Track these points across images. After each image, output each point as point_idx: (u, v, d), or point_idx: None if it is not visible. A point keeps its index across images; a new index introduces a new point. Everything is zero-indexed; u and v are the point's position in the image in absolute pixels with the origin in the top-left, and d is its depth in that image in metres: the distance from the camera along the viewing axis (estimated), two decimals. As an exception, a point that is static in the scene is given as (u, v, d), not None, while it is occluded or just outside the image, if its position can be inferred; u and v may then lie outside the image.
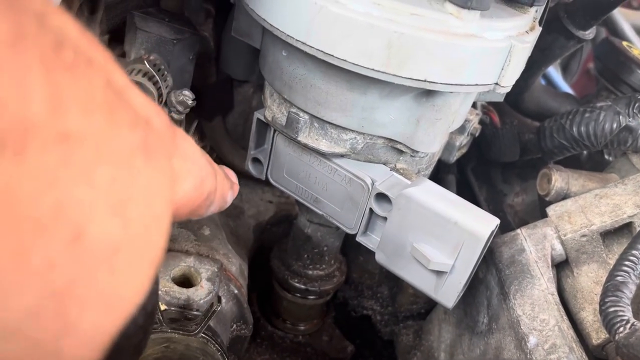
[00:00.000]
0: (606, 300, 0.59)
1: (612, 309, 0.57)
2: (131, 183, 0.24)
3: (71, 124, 0.20)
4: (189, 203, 0.37)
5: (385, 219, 0.64)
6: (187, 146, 0.36)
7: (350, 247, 1.01)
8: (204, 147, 0.42)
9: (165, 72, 0.65)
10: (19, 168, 0.18)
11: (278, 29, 0.55)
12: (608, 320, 0.57)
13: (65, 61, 0.21)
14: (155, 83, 0.62)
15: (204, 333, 0.64)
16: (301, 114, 0.62)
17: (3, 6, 0.18)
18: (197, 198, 0.38)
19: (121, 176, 0.23)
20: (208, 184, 0.39)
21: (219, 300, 0.70)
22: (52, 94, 0.20)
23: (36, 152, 0.19)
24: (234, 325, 0.77)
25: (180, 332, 0.62)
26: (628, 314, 0.57)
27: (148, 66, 0.62)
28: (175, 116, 0.64)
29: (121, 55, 0.70)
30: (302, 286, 0.87)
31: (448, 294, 0.62)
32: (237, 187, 0.50)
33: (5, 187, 0.18)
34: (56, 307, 0.20)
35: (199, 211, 0.40)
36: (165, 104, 0.64)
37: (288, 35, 0.55)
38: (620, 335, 0.55)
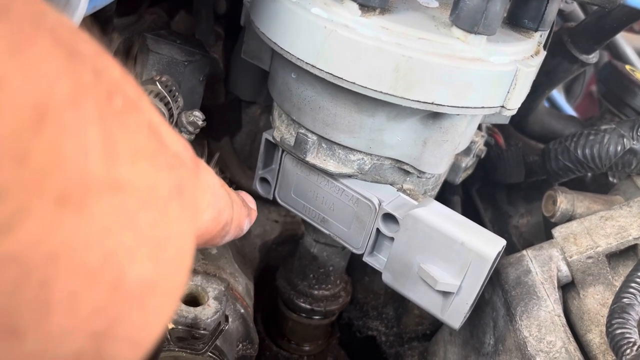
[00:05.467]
0: (613, 322, 0.59)
1: (618, 331, 0.57)
2: (167, 226, 0.24)
3: (122, 173, 0.21)
4: (205, 234, 0.38)
5: (392, 239, 0.64)
6: (208, 178, 0.37)
7: (355, 268, 1.02)
8: (223, 178, 0.43)
9: (177, 93, 0.66)
10: (78, 220, 0.19)
11: (288, 52, 0.56)
12: (615, 343, 0.57)
13: (116, 109, 0.21)
14: (166, 104, 0.63)
15: (211, 352, 0.64)
16: (309, 134, 0.63)
17: (64, 59, 0.19)
18: (213, 229, 0.38)
19: (160, 220, 0.24)
20: (225, 215, 0.40)
21: (226, 319, 0.70)
22: (107, 145, 0.20)
23: (93, 205, 0.20)
24: (240, 345, 0.77)
25: (188, 351, 0.63)
26: (635, 336, 0.57)
27: (160, 87, 0.64)
28: (186, 136, 0.65)
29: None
30: (308, 306, 0.87)
31: (454, 314, 0.63)
32: (254, 214, 0.50)
33: (66, 239, 0.19)
34: (96, 348, 0.21)
35: (213, 241, 0.40)
36: (176, 124, 0.65)
37: (298, 59, 0.56)
38: (627, 357, 0.55)
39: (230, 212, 0.41)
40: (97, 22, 0.69)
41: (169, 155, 0.26)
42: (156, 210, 0.23)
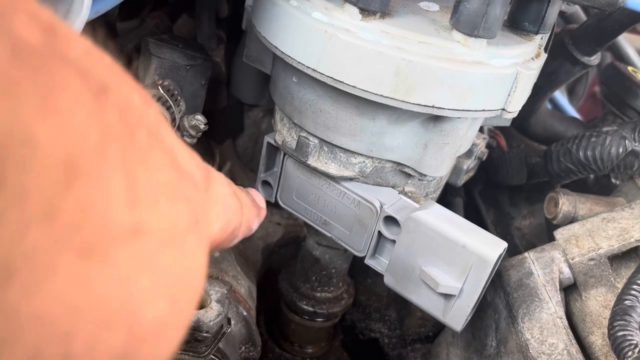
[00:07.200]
0: (615, 324, 0.59)
1: (620, 333, 0.57)
2: (184, 262, 0.24)
3: (142, 216, 0.21)
4: (214, 243, 0.38)
5: (393, 242, 0.64)
6: (218, 189, 0.37)
7: (358, 270, 1.02)
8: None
9: (179, 97, 0.66)
10: (100, 271, 0.19)
11: (289, 56, 0.57)
12: (617, 345, 0.57)
13: (139, 146, 0.21)
14: (168, 108, 0.63)
15: (213, 355, 0.64)
16: (311, 138, 0.63)
17: (91, 100, 0.19)
18: (221, 236, 0.38)
19: (177, 257, 0.23)
20: (234, 221, 0.40)
21: (229, 322, 0.70)
22: (129, 190, 0.20)
23: (114, 254, 0.19)
24: (243, 347, 0.77)
25: (190, 354, 0.63)
26: (637, 338, 0.57)
27: (162, 91, 0.64)
28: (188, 140, 0.65)
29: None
30: (310, 308, 0.87)
31: (456, 317, 0.63)
32: (264, 212, 0.50)
33: (89, 292, 0.19)
34: None
35: (222, 245, 0.40)
36: (178, 128, 0.65)
37: (299, 62, 0.56)
38: (629, 359, 0.55)
39: (240, 217, 0.41)
40: (100, 27, 0.69)
41: (185, 183, 0.25)
42: (174, 249, 0.23)
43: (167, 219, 0.23)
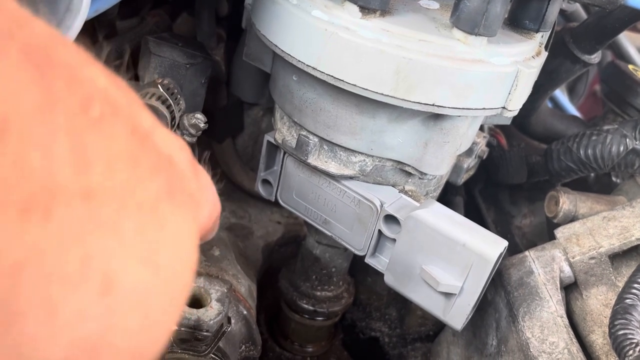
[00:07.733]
0: (615, 323, 0.59)
1: (621, 332, 0.57)
2: (159, 229, 0.24)
3: (95, 180, 0.21)
4: (202, 231, 0.38)
5: (394, 240, 0.64)
6: (206, 178, 0.37)
7: (358, 269, 1.02)
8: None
9: (178, 96, 0.66)
10: (45, 229, 0.19)
11: (289, 55, 0.57)
12: (618, 343, 0.57)
13: (92, 117, 0.21)
14: (168, 107, 0.63)
15: (213, 354, 0.64)
16: (311, 136, 0.63)
17: (33, 71, 0.19)
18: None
19: (148, 225, 0.23)
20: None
21: (229, 321, 0.70)
22: (77, 154, 0.20)
23: (61, 212, 0.20)
24: (243, 346, 0.77)
25: (191, 353, 0.63)
26: (637, 337, 0.57)
27: (161, 90, 0.64)
28: (188, 139, 0.65)
29: (134, 79, 0.71)
30: (311, 307, 0.87)
31: (457, 316, 0.63)
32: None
33: (33, 248, 0.19)
34: (90, 356, 0.21)
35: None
36: (177, 127, 0.65)
37: (299, 61, 0.56)
38: (630, 358, 0.55)
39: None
40: (100, 25, 0.69)
41: (154, 158, 0.25)
42: (141, 215, 0.23)
43: (125, 186, 0.23)
